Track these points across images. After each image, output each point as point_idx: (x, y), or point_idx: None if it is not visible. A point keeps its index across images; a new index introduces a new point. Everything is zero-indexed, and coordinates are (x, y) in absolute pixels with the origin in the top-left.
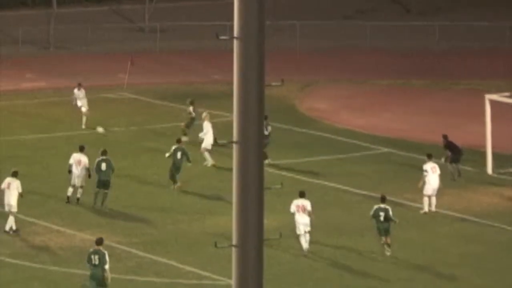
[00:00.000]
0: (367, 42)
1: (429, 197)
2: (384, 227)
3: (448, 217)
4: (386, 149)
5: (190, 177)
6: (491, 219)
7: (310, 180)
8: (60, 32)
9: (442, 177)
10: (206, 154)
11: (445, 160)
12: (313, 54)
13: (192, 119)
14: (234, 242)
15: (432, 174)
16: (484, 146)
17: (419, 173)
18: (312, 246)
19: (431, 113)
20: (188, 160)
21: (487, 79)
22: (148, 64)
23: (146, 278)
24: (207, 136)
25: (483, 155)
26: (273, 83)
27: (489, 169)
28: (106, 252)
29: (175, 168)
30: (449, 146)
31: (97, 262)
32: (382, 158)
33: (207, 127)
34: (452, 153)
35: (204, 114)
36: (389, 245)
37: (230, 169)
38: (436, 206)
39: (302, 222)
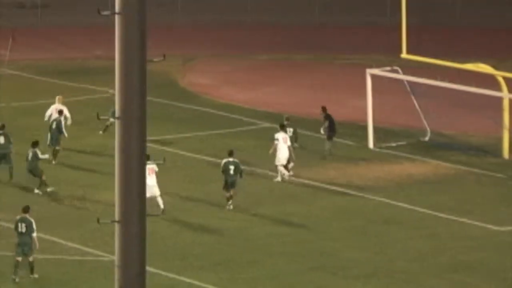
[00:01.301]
0: (248, 16)
1: (283, 165)
2: (232, 180)
3: (329, 191)
4: (267, 124)
5: (71, 152)
6: (372, 193)
7: (192, 155)
8: None
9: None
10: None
11: (324, 131)
12: (194, 29)
13: None
14: (116, 218)
15: (283, 144)
16: (365, 121)
17: (301, 148)
18: (195, 220)
19: (313, 88)
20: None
21: (368, 54)
22: (29, 40)
23: None
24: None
25: (364, 129)
26: (155, 59)
27: (370, 143)
28: (33, 220)
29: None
30: (328, 118)
31: (24, 230)
32: (263, 133)
33: (49, 111)
34: (329, 128)
35: (57, 97)
36: (232, 197)
37: (112, 144)
38: (318, 180)
39: (151, 184)
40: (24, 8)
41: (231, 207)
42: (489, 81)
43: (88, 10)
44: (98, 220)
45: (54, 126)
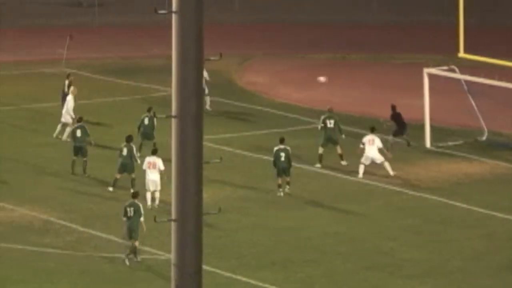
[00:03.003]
0: (305, 15)
1: (374, 163)
2: (284, 167)
3: (386, 190)
4: None
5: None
6: (429, 192)
7: (249, 154)
8: None
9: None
10: (59, 127)
11: (386, 125)
12: (251, 28)
13: None
14: (173, 216)
15: (368, 145)
16: (422, 120)
17: (357, 146)
18: (251, 219)
19: (370, 87)
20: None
21: (426, 53)
22: (86, 38)
23: (85, 253)
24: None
25: (421, 128)
26: (212, 58)
27: (427, 143)
28: (141, 205)
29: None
30: (394, 117)
31: (132, 214)
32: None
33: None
34: (397, 126)
35: (71, 89)
36: (289, 183)
37: (170, 142)
38: (375, 180)
39: (151, 179)
40: (81, 6)
41: (282, 194)
42: None
43: (145, 8)
44: (154, 219)
45: (146, 122)
